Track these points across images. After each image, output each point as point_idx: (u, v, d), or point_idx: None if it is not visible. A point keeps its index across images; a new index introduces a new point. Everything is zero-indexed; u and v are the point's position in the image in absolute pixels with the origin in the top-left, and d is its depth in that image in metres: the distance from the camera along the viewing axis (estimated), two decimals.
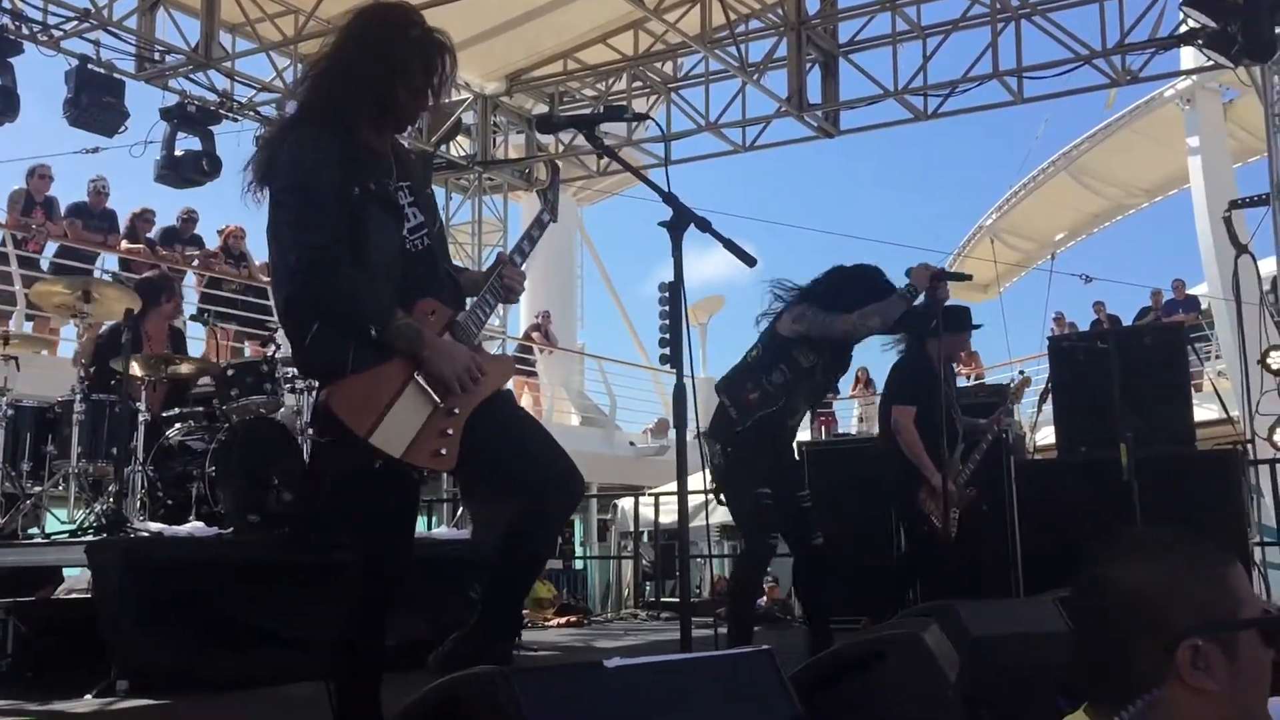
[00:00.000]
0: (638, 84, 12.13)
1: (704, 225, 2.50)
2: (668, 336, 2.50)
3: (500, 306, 3.33)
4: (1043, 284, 21.76)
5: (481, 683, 1.59)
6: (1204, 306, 16.40)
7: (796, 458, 5.24)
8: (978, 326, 6.17)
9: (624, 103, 11.95)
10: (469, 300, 3.02)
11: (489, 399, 2.84)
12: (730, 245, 2.54)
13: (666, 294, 2.52)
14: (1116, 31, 9.89)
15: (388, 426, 2.65)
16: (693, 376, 2.44)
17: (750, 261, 2.50)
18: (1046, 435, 9.25)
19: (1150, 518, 6.44)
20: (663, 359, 2.58)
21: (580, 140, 12.31)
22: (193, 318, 8.34)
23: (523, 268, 3.09)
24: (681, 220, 2.50)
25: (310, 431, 6.24)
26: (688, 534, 2.43)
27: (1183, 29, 9.46)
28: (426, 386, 2.72)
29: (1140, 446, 6.63)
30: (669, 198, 2.53)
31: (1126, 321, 15.78)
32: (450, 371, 2.72)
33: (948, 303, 5.38)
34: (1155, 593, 1.37)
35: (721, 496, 5.04)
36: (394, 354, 2.70)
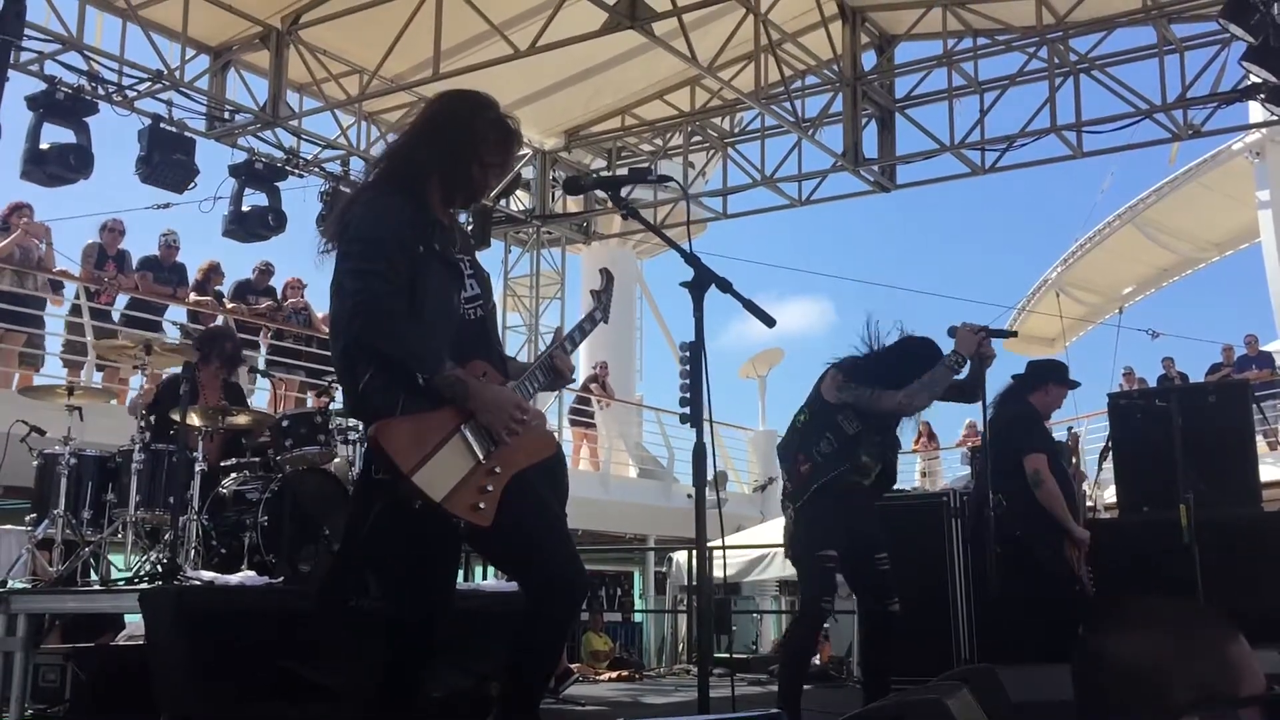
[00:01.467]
0: (695, 139, 12.25)
1: (725, 286, 2.52)
2: (688, 396, 2.51)
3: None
4: (1109, 339, 21.41)
5: None
6: (1279, 363, 16.03)
7: (874, 517, 5.01)
8: (1075, 385, 6.06)
9: (681, 156, 12.09)
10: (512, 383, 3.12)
11: (524, 472, 2.88)
12: (750, 306, 2.56)
13: (688, 353, 2.54)
14: (1177, 85, 9.83)
15: (431, 469, 2.69)
16: (712, 433, 2.45)
17: (770, 322, 2.51)
18: (1111, 493, 9.09)
19: (1212, 580, 6.27)
20: (683, 419, 2.59)
21: (640, 193, 12.44)
22: (252, 369, 8.51)
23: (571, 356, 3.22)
24: (703, 280, 2.53)
25: (357, 470, 6.34)
26: (710, 589, 2.41)
27: (1246, 84, 9.35)
28: (472, 440, 2.77)
29: (1202, 507, 6.47)
30: (690, 258, 2.56)
31: (1196, 378, 15.47)
32: (494, 420, 2.77)
33: (1051, 358, 5.31)
34: (1154, 667, 1.34)
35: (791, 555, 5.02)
36: (443, 404, 2.75)
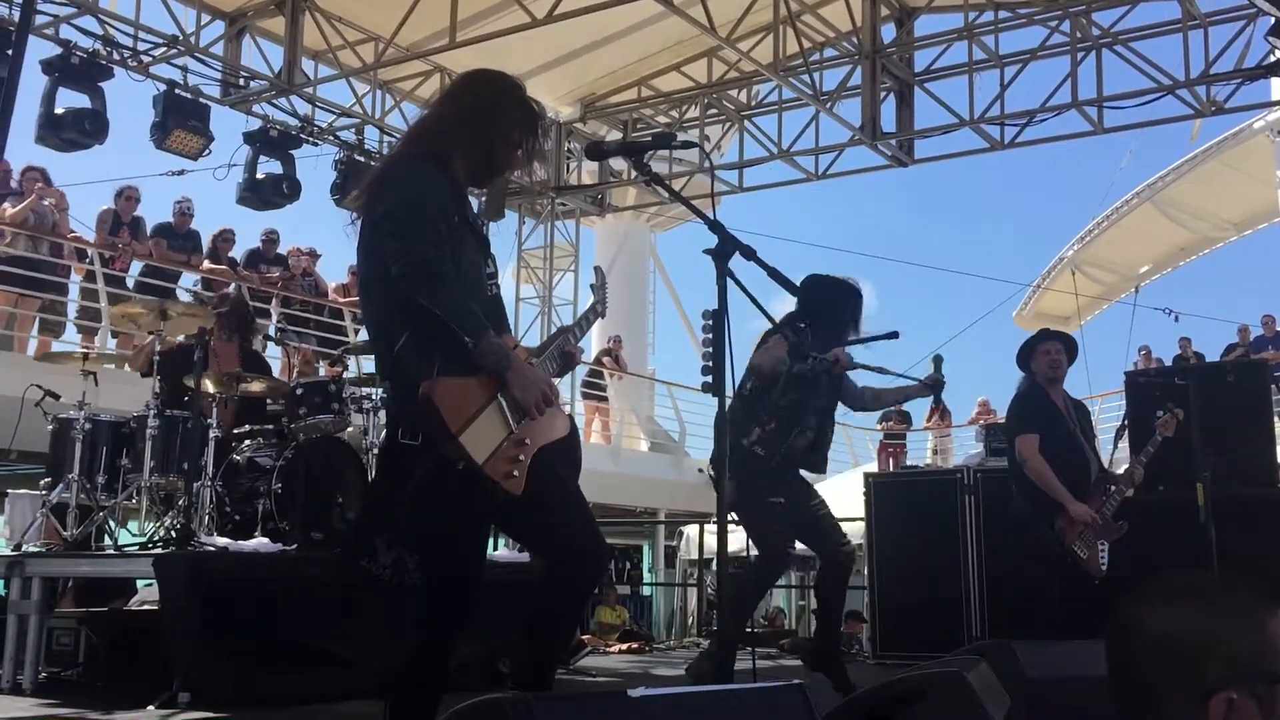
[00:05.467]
0: (711, 111, 12.16)
1: (749, 254, 2.50)
2: (710, 364, 2.49)
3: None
4: (1125, 318, 21.31)
5: (501, 709, 1.58)
6: None
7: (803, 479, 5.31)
8: (1050, 338, 5.87)
9: (697, 129, 12.00)
10: None
11: (544, 448, 2.91)
12: (775, 274, 2.53)
13: (710, 322, 2.51)
14: (1201, 61, 9.70)
15: (474, 432, 2.72)
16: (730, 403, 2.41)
17: (795, 290, 2.49)
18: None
19: (1228, 560, 6.25)
20: (705, 387, 2.57)
21: (655, 166, 12.34)
22: (266, 336, 8.50)
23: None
24: (727, 248, 2.50)
25: (371, 439, 6.34)
26: (726, 560, 2.39)
27: (1271, 60, 9.24)
28: (507, 410, 2.80)
29: (1219, 487, 6.43)
30: (714, 225, 2.53)
31: (1212, 358, 15.36)
32: (528, 397, 2.80)
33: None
34: (1189, 642, 1.31)
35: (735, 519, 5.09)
36: (477, 372, 2.77)
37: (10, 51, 8.23)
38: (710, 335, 2.98)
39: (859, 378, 5.35)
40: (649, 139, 3.05)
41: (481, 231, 3.03)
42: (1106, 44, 10.08)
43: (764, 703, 1.80)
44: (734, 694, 1.80)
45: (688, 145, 3.02)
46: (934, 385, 5.29)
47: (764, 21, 10.22)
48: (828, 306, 5.08)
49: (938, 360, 5.46)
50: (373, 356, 3.27)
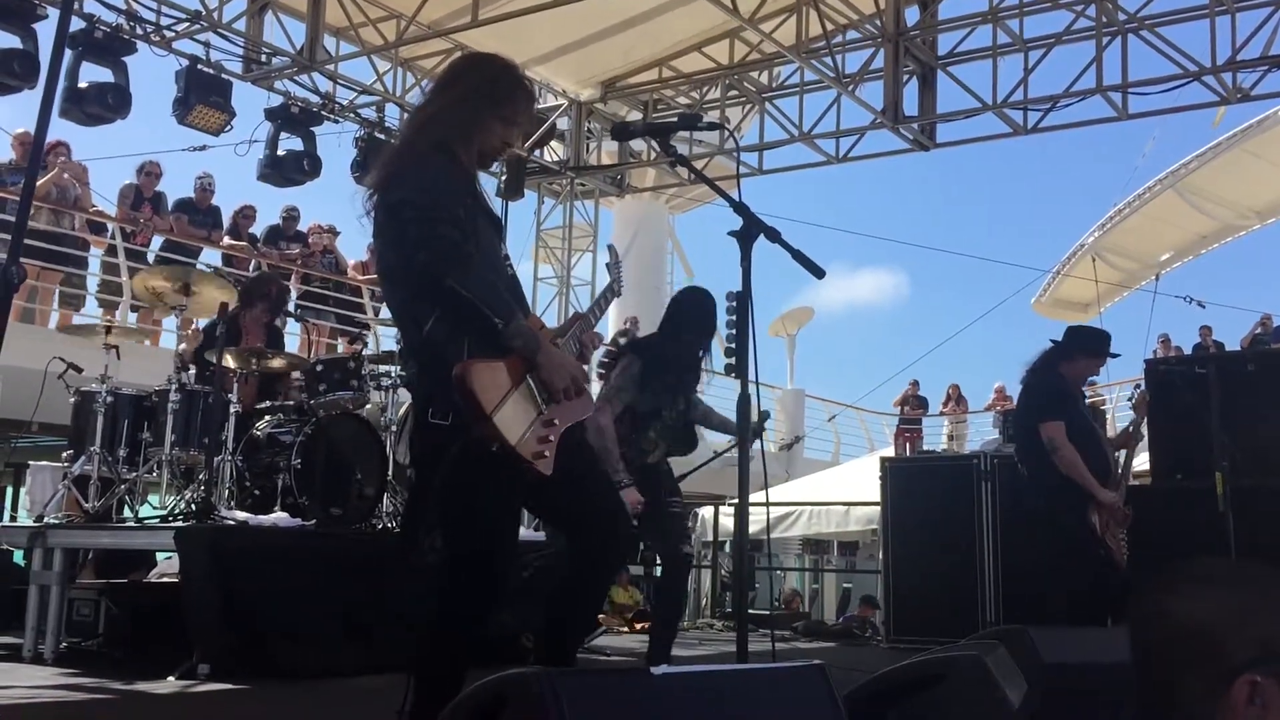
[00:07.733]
0: (732, 93, 12.10)
1: (773, 235, 2.50)
2: (733, 346, 2.50)
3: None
4: (1145, 305, 21.17)
5: (527, 683, 1.60)
6: None
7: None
8: (1115, 355, 5.83)
9: (717, 110, 11.95)
10: None
11: (573, 429, 2.95)
12: (799, 256, 2.53)
13: (734, 304, 2.51)
14: (1227, 48, 9.59)
15: (505, 413, 2.75)
16: (758, 386, 2.43)
17: (819, 273, 2.49)
18: (1144, 460, 9.02)
19: (1246, 549, 6.24)
20: (728, 369, 2.58)
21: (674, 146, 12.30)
22: (286, 313, 8.53)
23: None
24: (751, 230, 2.50)
25: (389, 415, 6.37)
26: (746, 542, 2.40)
27: None
28: (535, 391, 2.83)
29: (1238, 476, 6.42)
30: (739, 207, 2.53)
31: (1232, 347, 15.28)
32: (560, 380, 2.84)
33: (1089, 326, 5.34)
34: (1213, 626, 1.32)
35: None
36: (505, 354, 2.79)
37: (32, 24, 8.27)
38: (733, 317, 2.99)
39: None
40: (674, 119, 3.04)
41: (493, 213, 3.07)
42: (1132, 29, 9.98)
43: (785, 682, 1.82)
44: (756, 673, 1.81)
45: (713, 127, 3.03)
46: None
47: (787, 3, 10.16)
48: (694, 317, 5.13)
49: (763, 415, 5.39)
50: (398, 339, 3.31)
